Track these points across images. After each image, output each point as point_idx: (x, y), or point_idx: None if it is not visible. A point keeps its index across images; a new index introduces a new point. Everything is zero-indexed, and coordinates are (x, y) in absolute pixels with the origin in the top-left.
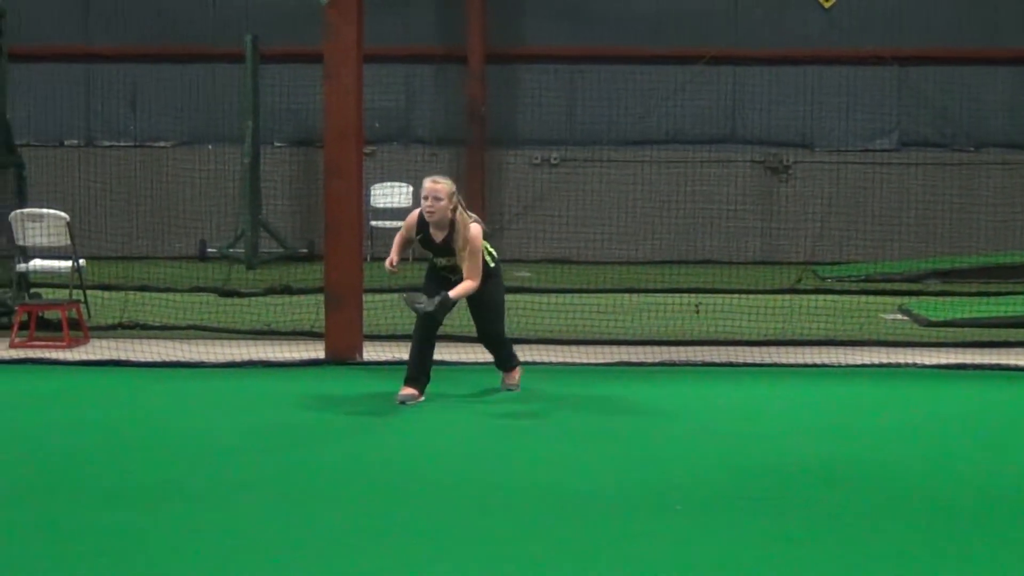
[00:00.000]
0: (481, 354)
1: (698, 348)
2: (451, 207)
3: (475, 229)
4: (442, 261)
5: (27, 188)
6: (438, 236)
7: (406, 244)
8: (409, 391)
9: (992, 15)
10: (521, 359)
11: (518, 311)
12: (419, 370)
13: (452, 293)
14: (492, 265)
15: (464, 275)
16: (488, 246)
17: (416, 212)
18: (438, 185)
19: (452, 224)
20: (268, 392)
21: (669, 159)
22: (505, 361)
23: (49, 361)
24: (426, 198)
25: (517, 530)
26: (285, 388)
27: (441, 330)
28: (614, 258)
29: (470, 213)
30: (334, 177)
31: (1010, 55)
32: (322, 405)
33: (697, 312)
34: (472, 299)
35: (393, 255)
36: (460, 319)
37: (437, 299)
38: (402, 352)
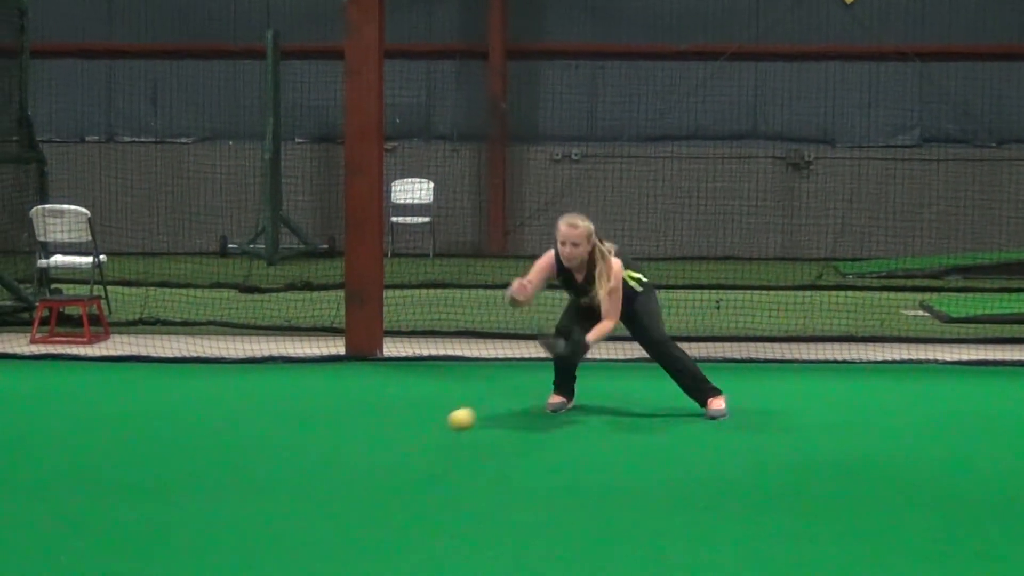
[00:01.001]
0: (495, 350)
1: (718, 344)
2: (589, 248)
3: (616, 267)
4: (585, 300)
5: (48, 184)
6: (579, 276)
7: (543, 282)
8: (559, 399)
9: (1014, 11)
10: (541, 355)
11: (539, 308)
12: (564, 379)
13: (590, 337)
14: (640, 290)
15: (603, 315)
16: (632, 273)
17: (551, 253)
18: (576, 230)
19: (591, 263)
20: (288, 388)
21: (690, 155)
22: (691, 388)
23: (69, 357)
24: (563, 244)
25: (536, 527)
26: (305, 384)
27: (468, 325)
28: (634, 254)
29: (605, 243)
30: (355, 173)
31: None
32: (342, 401)
33: (718, 308)
34: (625, 319)
35: (530, 282)
36: (489, 314)
37: (571, 342)
38: (421, 348)
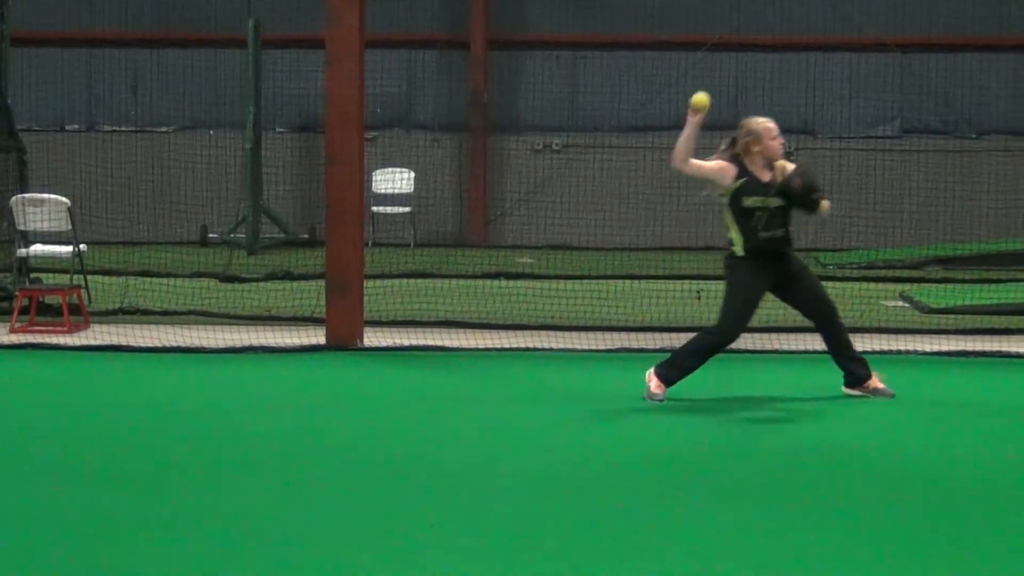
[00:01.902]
0: (476, 340)
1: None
2: None
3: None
4: (758, 203)
5: (28, 173)
6: (766, 176)
7: (701, 167)
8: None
9: (995, 2)
10: (522, 345)
11: (520, 298)
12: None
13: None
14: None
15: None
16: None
17: (723, 162)
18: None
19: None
20: (268, 377)
21: (671, 146)
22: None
23: (50, 346)
24: (774, 137)
25: (516, 516)
26: (285, 374)
27: (448, 315)
28: (615, 244)
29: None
30: (336, 163)
31: (1012, 42)
32: (322, 391)
33: (699, 298)
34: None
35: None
36: (469, 304)
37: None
38: (402, 338)
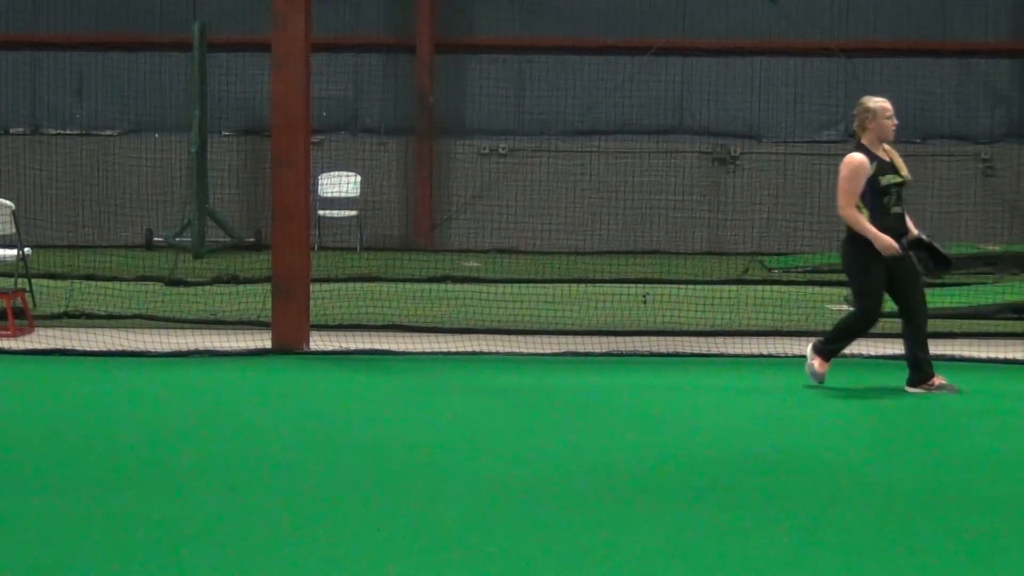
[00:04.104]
0: (423, 344)
1: (645, 338)
2: None
3: None
4: (898, 178)
5: None
6: (887, 155)
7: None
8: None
9: (938, 7)
10: (469, 349)
11: (466, 302)
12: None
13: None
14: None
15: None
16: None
17: (857, 156)
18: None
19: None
20: (214, 382)
21: (617, 149)
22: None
23: None
24: (889, 116)
25: (462, 521)
26: (231, 378)
27: (395, 319)
28: (562, 248)
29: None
30: (282, 166)
31: (956, 47)
32: (268, 395)
33: (644, 302)
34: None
35: (885, 238)
36: (416, 308)
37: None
38: (348, 342)
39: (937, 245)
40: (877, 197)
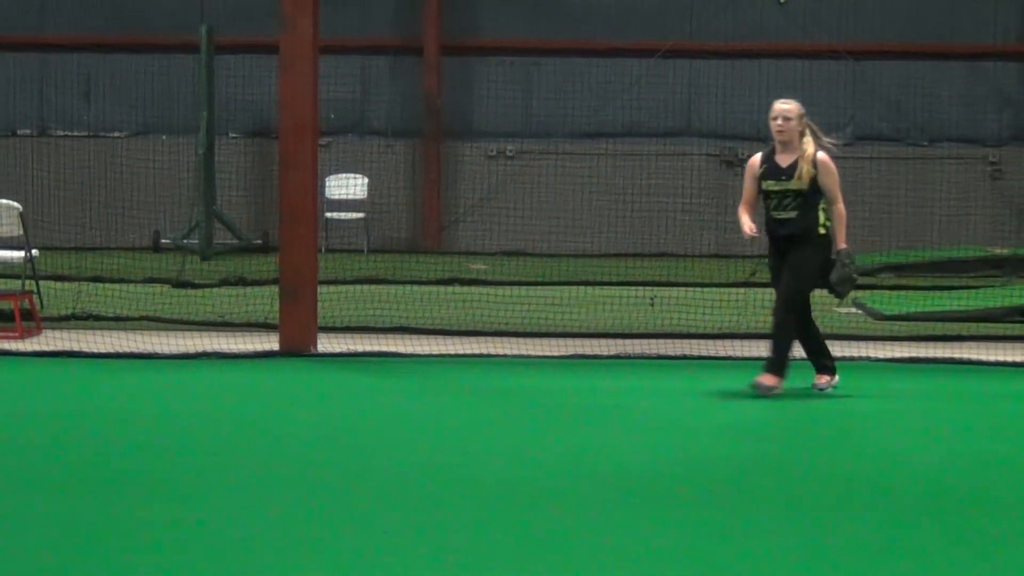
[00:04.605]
0: (430, 346)
1: (652, 341)
2: (800, 128)
3: (824, 153)
4: (779, 185)
5: None
6: (785, 160)
7: (753, 201)
8: (774, 380)
9: (946, 10)
10: (476, 351)
11: (473, 304)
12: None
13: (840, 241)
14: (823, 232)
15: (828, 195)
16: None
17: (754, 156)
18: (787, 105)
19: (801, 147)
20: (222, 384)
21: (624, 152)
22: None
23: (1, 352)
24: (775, 118)
25: (469, 522)
26: (239, 380)
27: (402, 321)
28: (569, 251)
29: (820, 138)
30: (289, 168)
31: (964, 50)
32: (276, 397)
33: (651, 305)
34: (780, 253)
35: (748, 221)
36: (423, 310)
37: (845, 261)
38: (356, 344)
39: (838, 268)
40: (761, 198)
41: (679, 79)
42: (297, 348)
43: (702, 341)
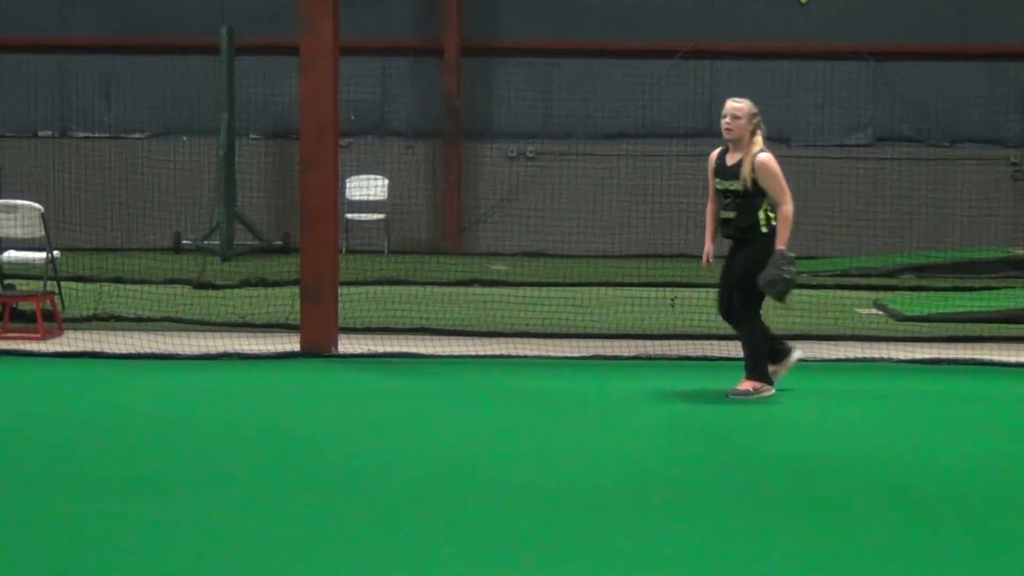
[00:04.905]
0: (451, 347)
1: (673, 342)
2: (750, 128)
3: (767, 154)
4: (724, 184)
5: (1, 179)
6: (732, 159)
7: (715, 208)
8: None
9: (966, 11)
10: (497, 352)
11: (494, 305)
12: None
13: (779, 243)
14: (764, 232)
15: (772, 198)
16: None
17: (715, 152)
18: (737, 104)
19: (748, 147)
20: (243, 385)
21: (645, 153)
22: (748, 360)
23: (23, 353)
24: (724, 116)
25: (489, 523)
26: (260, 381)
27: (423, 322)
28: (589, 252)
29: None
30: (310, 169)
31: (984, 51)
32: (297, 398)
33: (672, 306)
34: (730, 253)
35: (708, 243)
36: (444, 311)
37: (778, 262)
38: (377, 345)
39: (769, 269)
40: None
41: (699, 80)
42: (318, 349)
43: (723, 342)
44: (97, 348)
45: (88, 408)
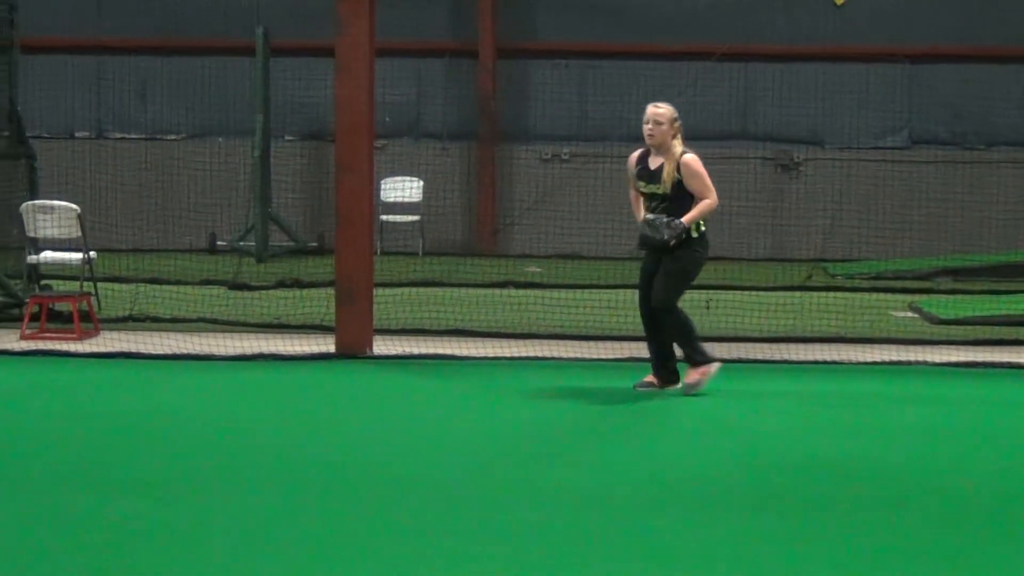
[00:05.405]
0: (485, 349)
1: (708, 344)
2: (672, 133)
3: (692, 155)
4: (648, 188)
5: (38, 180)
6: (655, 163)
7: (638, 196)
8: (700, 371)
9: (1003, 13)
10: (531, 353)
11: (528, 307)
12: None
13: (686, 217)
14: (695, 236)
15: (698, 196)
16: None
17: (635, 152)
18: (659, 109)
19: (670, 151)
20: (278, 385)
21: None
22: (684, 350)
23: (60, 353)
24: (647, 122)
25: (526, 525)
26: (295, 381)
27: (457, 323)
28: (624, 254)
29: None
30: (345, 171)
31: (1021, 53)
32: (332, 399)
33: (707, 308)
34: (662, 260)
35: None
36: (478, 313)
37: (674, 226)
38: (411, 347)
39: (660, 226)
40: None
41: (735, 82)
42: (353, 350)
43: (757, 344)
44: (133, 349)
45: (123, 408)
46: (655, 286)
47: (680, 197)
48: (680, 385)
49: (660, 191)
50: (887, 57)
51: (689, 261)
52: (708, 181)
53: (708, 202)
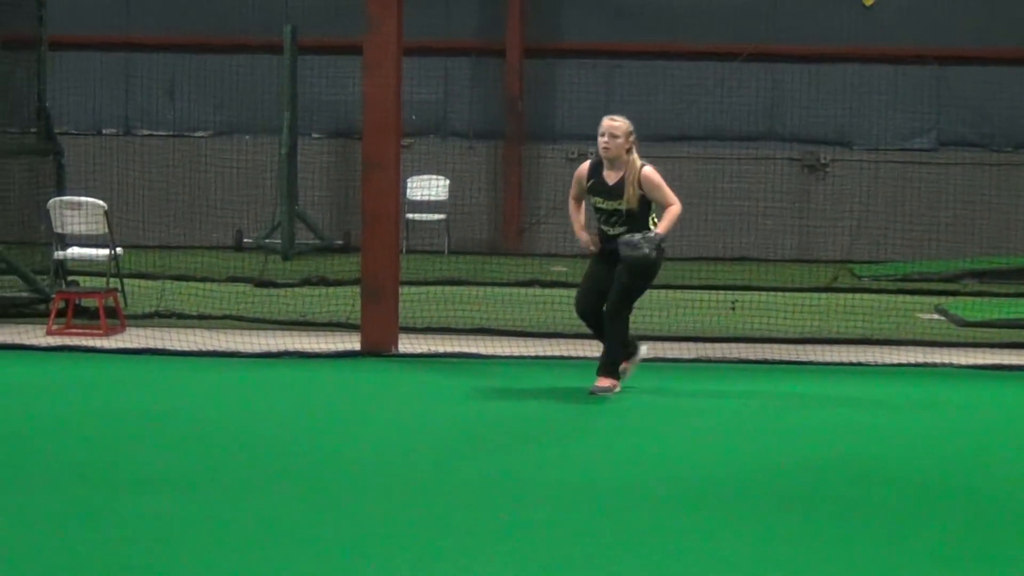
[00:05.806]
0: (510, 347)
1: (733, 345)
2: (627, 146)
3: (649, 167)
4: (607, 204)
5: (65, 176)
6: (612, 178)
7: (580, 204)
8: (610, 382)
9: None
10: (556, 353)
11: (554, 306)
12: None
13: (661, 228)
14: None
15: (664, 205)
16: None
17: (585, 163)
18: (615, 122)
19: (627, 165)
20: (303, 383)
21: (706, 156)
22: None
23: (86, 349)
24: (603, 135)
25: (548, 524)
26: (320, 379)
27: (483, 322)
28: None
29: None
30: (373, 169)
31: None
32: (357, 397)
33: (733, 309)
34: (624, 262)
35: (581, 232)
36: (503, 312)
37: (651, 240)
38: (437, 345)
39: (641, 242)
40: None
41: (762, 83)
42: (378, 348)
43: (783, 345)
44: (159, 345)
45: (148, 405)
46: (613, 294)
47: (643, 209)
48: (639, 352)
49: (623, 207)
50: (915, 59)
51: (651, 269)
52: (668, 190)
53: (676, 209)
